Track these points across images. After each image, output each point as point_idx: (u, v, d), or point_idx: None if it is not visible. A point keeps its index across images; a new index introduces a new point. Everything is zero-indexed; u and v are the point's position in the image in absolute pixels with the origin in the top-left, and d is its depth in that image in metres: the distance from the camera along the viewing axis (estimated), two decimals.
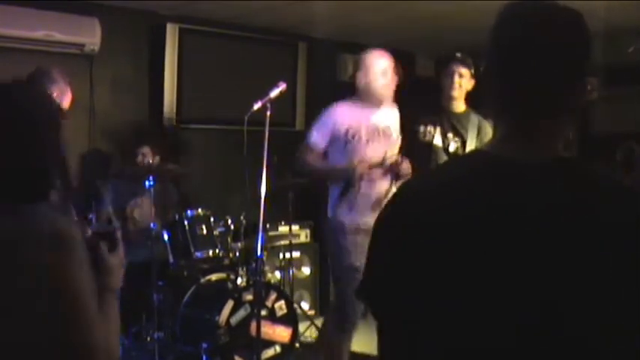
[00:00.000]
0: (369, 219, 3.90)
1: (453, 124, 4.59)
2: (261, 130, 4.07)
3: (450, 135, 4.57)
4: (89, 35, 5.63)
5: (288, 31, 6.97)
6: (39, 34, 5.36)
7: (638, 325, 1.23)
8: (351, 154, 4.32)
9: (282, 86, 4.27)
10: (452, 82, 4.54)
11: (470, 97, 4.61)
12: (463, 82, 4.54)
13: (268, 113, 4.16)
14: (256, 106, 4.16)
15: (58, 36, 5.46)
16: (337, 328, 4.32)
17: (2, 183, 1.64)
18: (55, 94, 3.65)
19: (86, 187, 5.32)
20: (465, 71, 4.51)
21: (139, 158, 5.63)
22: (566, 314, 1.23)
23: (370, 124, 4.36)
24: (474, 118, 4.57)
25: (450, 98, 4.57)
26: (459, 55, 4.59)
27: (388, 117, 4.47)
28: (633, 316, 1.23)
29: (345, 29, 6.90)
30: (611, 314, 1.23)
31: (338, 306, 4.36)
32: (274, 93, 4.23)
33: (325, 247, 4.51)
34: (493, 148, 1.40)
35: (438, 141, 4.55)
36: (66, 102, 3.76)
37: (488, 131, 4.39)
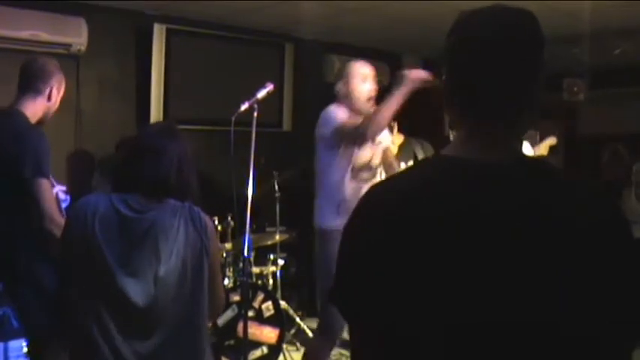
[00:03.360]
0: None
1: None
2: (248, 131, 4.06)
3: None
4: (76, 35, 5.61)
5: (275, 31, 6.97)
6: (25, 34, 5.34)
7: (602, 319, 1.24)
8: (340, 157, 4.30)
9: (269, 87, 4.26)
10: None
11: None
12: None
13: (255, 114, 4.15)
14: (243, 107, 4.15)
15: (45, 36, 5.44)
16: (322, 334, 4.32)
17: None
18: (54, 88, 3.63)
19: (72, 187, 5.29)
20: None
21: None
22: (532, 315, 1.23)
23: None
24: None
25: None
26: None
27: None
28: (596, 311, 1.23)
29: (331, 30, 6.90)
30: (578, 314, 1.23)
31: (324, 315, 4.32)
32: (262, 94, 4.22)
33: (315, 252, 4.46)
34: (455, 151, 1.41)
35: None
36: (62, 91, 3.74)
37: None
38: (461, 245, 1.27)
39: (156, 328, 2.41)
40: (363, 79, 4.38)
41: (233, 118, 4.00)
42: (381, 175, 4.49)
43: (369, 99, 4.36)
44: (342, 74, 4.47)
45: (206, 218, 2.59)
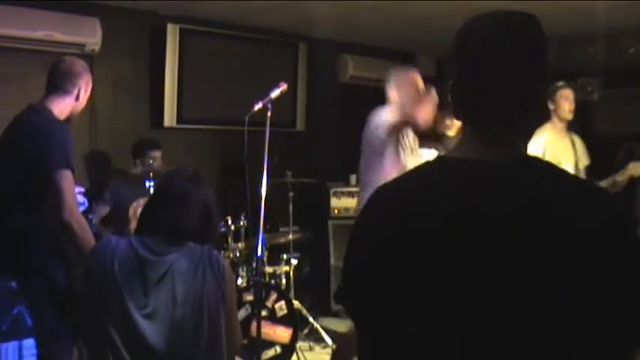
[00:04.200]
0: None
1: None
2: (261, 131, 4.07)
3: None
4: (90, 35, 5.64)
5: (289, 31, 6.97)
6: (39, 34, 5.37)
7: (606, 329, 1.22)
8: (388, 163, 4.42)
9: (283, 86, 4.26)
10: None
11: None
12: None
13: (269, 114, 4.15)
14: (257, 106, 4.16)
15: (59, 36, 5.47)
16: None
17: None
18: (82, 89, 3.66)
19: (89, 187, 5.32)
20: None
21: (149, 161, 5.60)
22: (532, 314, 1.23)
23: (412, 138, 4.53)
24: None
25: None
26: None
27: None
28: (599, 320, 1.22)
29: (345, 30, 6.90)
30: (578, 314, 1.22)
31: None
32: (275, 93, 4.23)
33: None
34: (458, 152, 1.44)
35: None
36: (89, 92, 3.77)
37: None
38: (461, 245, 1.28)
39: None
40: (416, 89, 4.51)
41: (247, 118, 4.01)
42: None
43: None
44: (393, 81, 4.58)
45: (224, 262, 2.62)
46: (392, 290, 1.34)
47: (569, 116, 5.38)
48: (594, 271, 1.22)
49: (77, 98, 3.65)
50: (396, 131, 4.35)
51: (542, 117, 1.45)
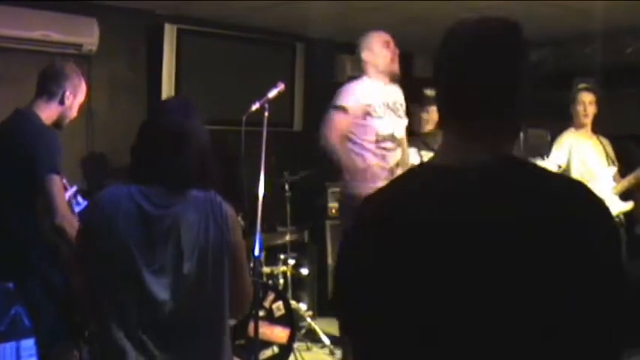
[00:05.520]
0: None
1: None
2: (258, 131, 4.07)
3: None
4: (87, 35, 5.63)
5: (286, 31, 6.96)
6: (36, 34, 5.36)
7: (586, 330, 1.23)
8: (367, 129, 4.66)
9: (280, 87, 4.27)
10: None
11: None
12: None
13: (266, 114, 4.15)
14: (254, 106, 4.16)
15: (56, 36, 5.45)
16: None
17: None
18: (68, 92, 3.65)
19: (88, 190, 5.31)
20: None
21: None
22: (519, 317, 1.23)
23: (382, 101, 4.72)
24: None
25: None
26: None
27: (396, 94, 4.88)
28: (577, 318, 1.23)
29: (342, 30, 6.89)
30: (562, 313, 1.22)
31: None
32: (273, 93, 4.24)
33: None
34: (440, 158, 1.47)
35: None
36: (81, 96, 3.76)
37: None
38: (463, 255, 1.29)
39: (178, 326, 2.38)
40: (385, 44, 4.78)
41: (244, 118, 4.00)
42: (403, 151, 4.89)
43: (392, 60, 4.80)
44: (363, 46, 4.82)
45: (228, 209, 2.50)
46: (389, 304, 1.35)
47: (584, 120, 5.43)
48: (578, 268, 1.23)
49: (62, 102, 3.63)
50: None
51: (523, 117, 1.46)
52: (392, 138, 4.71)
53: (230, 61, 6.63)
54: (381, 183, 4.46)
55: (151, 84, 6.28)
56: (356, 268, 1.43)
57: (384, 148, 4.68)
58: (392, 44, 4.81)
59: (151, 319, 2.35)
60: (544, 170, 1.41)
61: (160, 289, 2.34)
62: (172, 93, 6.24)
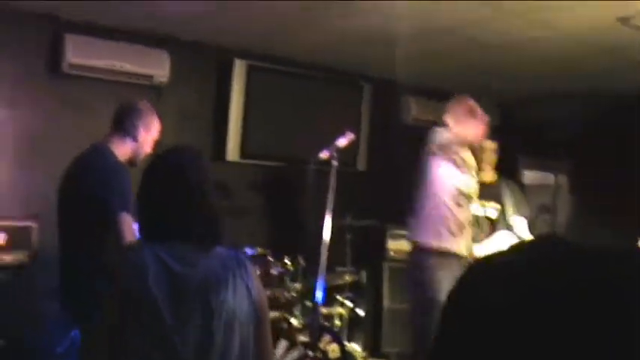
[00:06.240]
0: (453, 244, 4.50)
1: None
2: (322, 170, 4.05)
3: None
4: (159, 67, 5.73)
5: (353, 70, 6.97)
6: (110, 63, 5.47)
7: None
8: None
9: (350, 136, 4.27)
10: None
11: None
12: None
13: (335, 163, 4.14)
14: (323, 154, 4.16)
15: (129, 66, 5.56)
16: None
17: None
18: (142, 129, 3.71)
19: None
20: None
21: None
22: None
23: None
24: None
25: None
26: None
27: None
28: None
29: (410, 72, 6.87)
30: None
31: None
32: (342, 143, 4.24)
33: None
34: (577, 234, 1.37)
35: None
36: (154, 133, 3.82)
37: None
38: (554, 338, 1.20)
39: None
40: (471, 113, 4.72)
41: (313, 166, 3.99)
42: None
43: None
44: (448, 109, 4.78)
45: (251, 267, 2.47)
46: None
47: None
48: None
49: (136, 138, 3.69)
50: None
51: None
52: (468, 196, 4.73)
53: (297, 98, 6.66)
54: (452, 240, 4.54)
55: (218, 117, 6.35)
56: (464, 337, 1.32)
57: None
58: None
59: None
60: None
61: (186, 350, 2.28)
62: (239, 127, 6.30)
